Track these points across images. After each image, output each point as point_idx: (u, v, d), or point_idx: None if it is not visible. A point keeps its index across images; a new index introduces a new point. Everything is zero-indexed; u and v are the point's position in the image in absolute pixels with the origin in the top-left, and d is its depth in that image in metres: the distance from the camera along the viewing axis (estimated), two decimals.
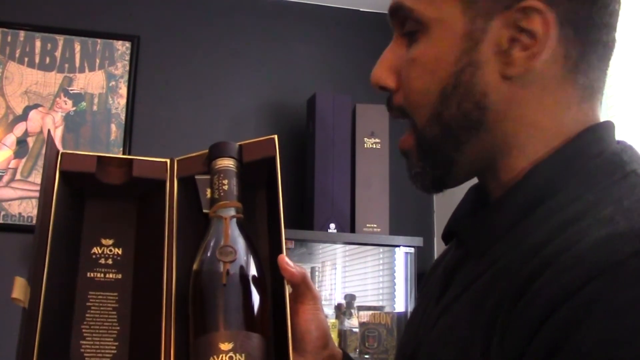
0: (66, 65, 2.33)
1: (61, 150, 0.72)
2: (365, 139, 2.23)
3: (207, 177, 0.70)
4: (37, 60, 2.31)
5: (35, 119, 2.28)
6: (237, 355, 0.60)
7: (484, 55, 0.60)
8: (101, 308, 0.70)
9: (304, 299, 0.71)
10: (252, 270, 0.65)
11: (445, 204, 2.46)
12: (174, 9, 2.44)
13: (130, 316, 0.70)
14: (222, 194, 0.68)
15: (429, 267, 0.82)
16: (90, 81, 2.33)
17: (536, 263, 0.52)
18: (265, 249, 0.73)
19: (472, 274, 0.61)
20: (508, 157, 0.62)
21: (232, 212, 0.68)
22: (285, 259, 0.68)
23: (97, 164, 0.72)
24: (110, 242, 0.72)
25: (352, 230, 2.17)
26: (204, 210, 0.69)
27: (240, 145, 0.72)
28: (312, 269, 2.35)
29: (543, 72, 0.60)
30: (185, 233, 0.71)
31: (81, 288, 0.70)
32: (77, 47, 2.34)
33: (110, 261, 0.72)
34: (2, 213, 2.20)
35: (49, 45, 2.32)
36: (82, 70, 2.34)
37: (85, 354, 0.67)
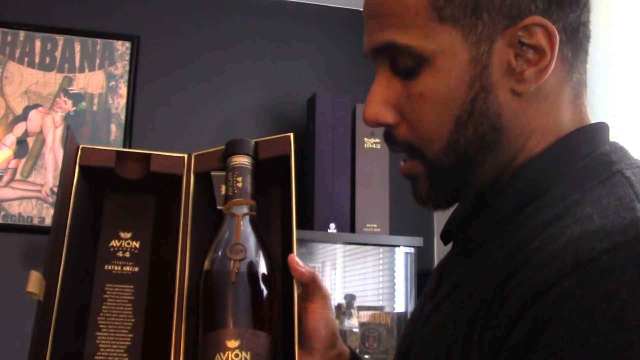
0: (66, 65, 2.32)
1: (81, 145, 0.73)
2: (365, 139, 2.23)
3: (223, 173, 0.71)
4: (37, 60, 2.31)
5: (35, 119, 2.28)
6: (243, 353, 0.61)
7: (493, 77, 0.60)
8: (117, 300, 0.70)
9: (313, 298, 0.71)
10: (262, 269, 0.66)
11: None
12: (174, 9, 2.44)
13: (145, 309, 0.70)
14: (236, 191, 0.68)
15: (433, 267, 0.83)
16: (90, 81, 2.33)
17: (516, 261, 0.53)
18: (278, 246, 0.73)
19: (461, 273, 0.62)
20: (515, 161, 0.63)
21: (245, 209, 0.68)
22: (295, 259, 0.69)
23: (116, 159, 0.73)
24: (128, 235, 0.73)
25: (352, 230, 2.17)
26: (218, 207, 0.69)
27: (256, 142, 0.73)
28: None
29: (548, 80, 0.61)
30: (200, 228, 0.71)
31: (98, 280, 0.71)
32: (77, 47, 2.34)
33: (127, 254, 0.72)
34: (2, 213, 2.20)
35: (49, 45, 2.32)
36: (82, 70, 2.33)
37: (100, 345, 0.68)
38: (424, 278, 2.15)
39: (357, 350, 2.13)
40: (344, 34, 2.55)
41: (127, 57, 2.36)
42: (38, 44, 2.32)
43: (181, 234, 0.70)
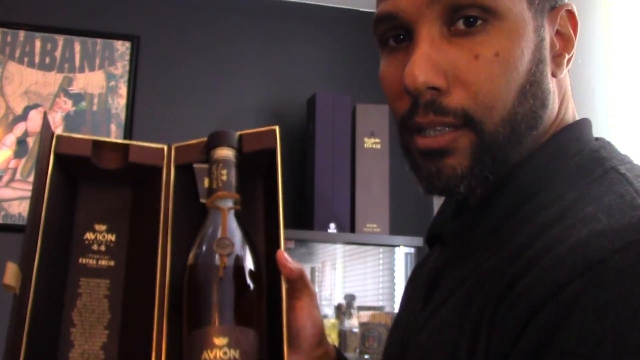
0: (66, 65, 2.32)
1: (56, 132, 0.70)
2: (365, 139, 2.23)
3: (206, 166, 0.69)
4: (37, 60, 2.31)
5: (35, 119, 2.28)
6: (232, 350, 0.60)
7: (546, 52, 0.60)
8: (92, 295, 0.68)
9: (300, 295, 0.70)
10: (249, 264, 0.64)
11: None
12: (174, 9, 2.44)
13: (122, 304, 0.68)
14: (220, 184, 0.66)
15: (412, 270, 0.82)
16: (90, 81, 2.33)
17: (520, 264, 0.52)
18: (262, 242, 0.71)
19: (458, 277, 0.61)
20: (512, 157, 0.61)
21: (230, 203, 0.66)
22: (284, 255, 0.67)
23: (93, 148, 0.70)
24: (103, 227, 0.71)
25: (352, 230, 2.17)
26: (202, 200, 0.67)
27: (240, 135, 0.71)
28: (312, 269, 2.35)
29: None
30: (181, 222, 0.69)
31: (73, 274, 0.68)
32: (77, 47, 2.34)
33: (103, 247, 0.70)
34: (2, 213, 2.20)
35: (49, 45, 2.32)
36: (82, 70, 2.33)
37: (75, 342, 0.66)
38: None
39: (357, 350, 2.12)
40: (344, 34, 2.55)
41: (127, 57, 2.36)
42: (38, 44, 2.32)
43: (161, 227, 0.68)
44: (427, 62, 0.56)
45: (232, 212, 0.66)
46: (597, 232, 0.49)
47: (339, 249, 2.43)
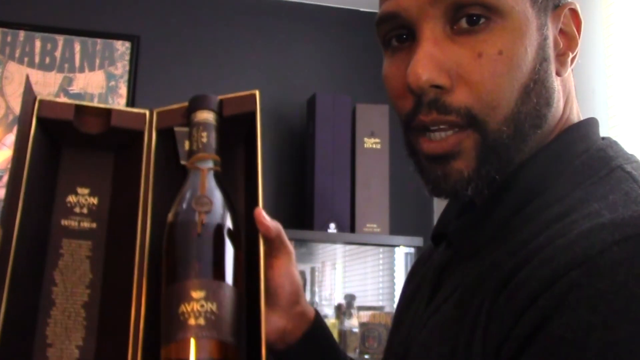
0: (66, 65, 2.33)
1: (39, 96, 0.71)
2: (365, 139, 2.23)
3: (186, 129, 0.70)
4: (37, 60, 2.31)
5: None
6: (209, 303, 0.60)
7: (549, 51, 0.60)
8: (74, 256, 0.69)
9: (278, 254, 0.70)
10: (228, 223, 0.65)
11: (445, 204, 2.45)
12: (174, 9, 2.44)
13: (104, 265, 0.69)
14: (200, 146, 0.67)
15: (411, 266, 0.82)
16: (90, 81, 2.33)
17: (520, 257, 0.52)
18: (242, 206, 0.72)
19: (462, 275, 0.61)
20: (519, 156, 0.61)
21: (210, 164, 0.67)
22: (262, 212, 0.67)
23: (75, 112, 0.71)
24: (86, 191, 0.72)
25: (352, 230, 2.17)
26: (182, 162, 0.68)
27: (220, 99, 0.72)
28: (312, 269, 2.35)
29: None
30: (162, 185, 0.70)
31: (55, 235, 0.69)
32: (77, 47, 2.34)
33: (85, 210, 0.71)
34: None
35: (49, 45, 2.32)
36: (82, 70, 2.33)
37: (56, 300, 0.67)
38: None
39: (357, 350, 2.13)
40: (344, 34, 2.55)
41: (127, 57, 2.36)
42: (38, 44, 2.32)
43: (142, 189, 0.69)
44: (430, 61, 0.56)
45: (211, 173, 0.67)
46: (599, 225, 0.49)
47: (339, 249, 2.43)
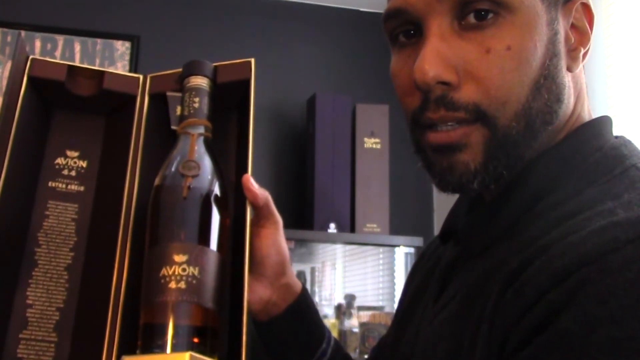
0: None
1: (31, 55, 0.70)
2: (365, 139, 2.23)
3: (179, 94, 0.69)
4: None
5: None
6: (191, 267, 0.59)
7: (560, 45, 0.59)
8: (60, 218, 0.68)
9: (265, 222, 0.70)
10: (215, 189, 0.64)
11: (446, 204, 2.45)
12: (174, 9, 2.44)
13: (89, 228, 0.68)
14: (192, 111, 0.67)
15: (416, 260, 0.81)
16: None
17: (529, 253, 0.51)
18: (232, 174, 0.71)
19: (470, 273, 0.60)
20: (528, 153, 0.60)
21: (201, 129, 0.66)
22: (250, 179, 0.66)
23: (67, 73, 0.70)
24: (75, 154, 0.71)
25: (352, 230, 2.17)
26: (172, 127, 0.68)
27: (215, 66, 0.71)
28: (312, 269, 2.35)
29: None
30: (152, 150, 0.69)
31: (41, 197, 0.68)
32: (77, 47, 2.34)
33: (73, 173, 0.70)
34: None
35: (49, 45, 2.32)
36: None
37: (39, 262, 0.66)
38: None
39: (357, 350, 2.12)
40: (344, 34, 2.55)
41: (127, 57, 2.36)
42: (38, 44, 2.32)
43: (131, 153, 0.68)
44: (436, 57, 0.55)
45: (201, 138, 0.66)
46: (613, 223, 0.49)
47: (339, 249, 2.43)
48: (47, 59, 0.71)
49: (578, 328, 0.45)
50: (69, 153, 0.71)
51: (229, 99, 0.72)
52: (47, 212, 0.68)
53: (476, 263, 0.60)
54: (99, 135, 0.72)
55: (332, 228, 2.15)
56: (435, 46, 0.56)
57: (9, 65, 2.29)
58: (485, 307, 0.53)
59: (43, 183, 0.69)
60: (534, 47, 0.56)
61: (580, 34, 0.61)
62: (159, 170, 0.65)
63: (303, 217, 2.26)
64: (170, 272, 0.59)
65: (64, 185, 0.69)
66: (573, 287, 0.46)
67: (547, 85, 0.57)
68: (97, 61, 2.34)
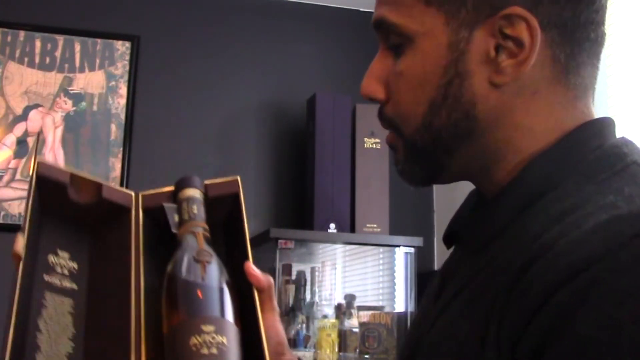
0: (66, 65, 2.33)
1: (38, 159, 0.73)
2: (365, 139, 2.23)
3: (174, 205, 0.74)
4: (37, 60, 2.31)
5: (35, 119, 2.28)
6: (219, 336, 0.62)
7: (470, 65, 0.60)
8: (57, 310, 0.70)
9: (263, 307, 0.72)
10: (225, 274, 0.68)
11: (445, 204, 2.46)
12: (174, 9, 2.44)
13: (85, 325, 0.71)
14: (192, 215, 0.71)
15: (434, 267, 0.82)
16: (90, 81, 2.33)
17: (534, 250, 0.51)
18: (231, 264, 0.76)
19: (469, 272, 0.61)
20: (502, 161, 0.62)
21: (201, 230, 0.71)
22: (252, 266, 0.70)
23: (70, 180, 0.73)
24: (66, 255, 0.73)
25: (352, 230, 2.17)
26: (173, 230, 0.72)
27: (205, 184, 0.77)
28: (312, 269, 2.35)
29: (532, 77, 0.60)
30: (149, 252, 0.73)
31: (38, 287, 0.70)
32: (77, 47, 2.34)
33: (66, 271, 0.72)
34: (2, 213, 2.20)
35: (49, 45, 2.32)
36: (82, 70, 2.34)
37: (41, 346, 0.68)
38: (424, 278, 2.15)
39: (357, 350, 2.12)
40: (344, 34, 2.55)
41: (127, 57, 2.36)
42: (38, 44, 2.32)
43: (133, 255, 0.72)
44: (370, 76, 0.66)
45: (204, 237, 0.71)
46: (617, 217, 0.49)
47: (339, 249, 2.43)
48: (52, 164, 0.74)
49: (602, 333, 0.44)
50: (60, 253, 0.73)
51: (217, 215, 0.77)
52: (45, 303, 0.70)
53: (473, 262, 0.61)
54: (87, 240, 0.75)
55: (332, 228, 2.15)
56: (374, 65, 0.66)
57: (9, 65, 2.30)
58: (491, 307, 0.53)
59: (39, 275, 0.71)
60: (423, 72, 0.62)
61: (515, 44, 0.59)
62: (157, 273, 0.69)
63: (303, 217, 2.26)
64: (201, 340, 0.62)
65: (58, 281, 0.72)
66: (583, 287, 0.46)
67: (447, 105, 0.61)
68: (97, 61, 2.34)
